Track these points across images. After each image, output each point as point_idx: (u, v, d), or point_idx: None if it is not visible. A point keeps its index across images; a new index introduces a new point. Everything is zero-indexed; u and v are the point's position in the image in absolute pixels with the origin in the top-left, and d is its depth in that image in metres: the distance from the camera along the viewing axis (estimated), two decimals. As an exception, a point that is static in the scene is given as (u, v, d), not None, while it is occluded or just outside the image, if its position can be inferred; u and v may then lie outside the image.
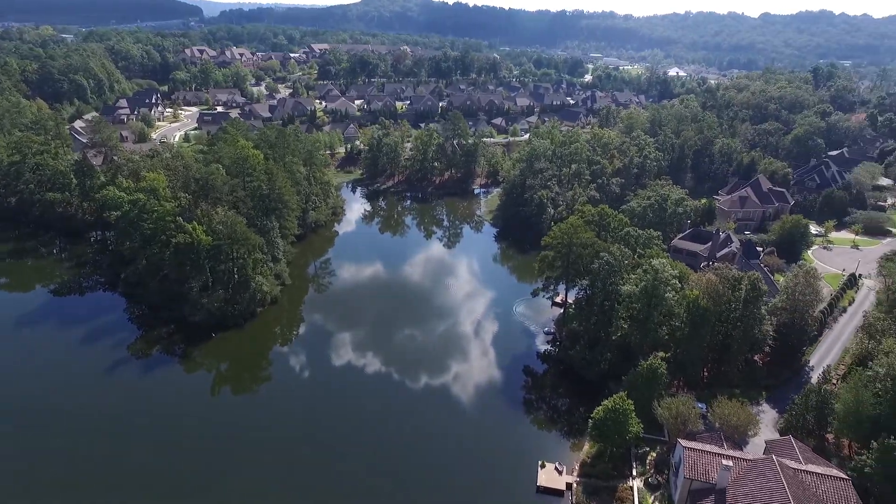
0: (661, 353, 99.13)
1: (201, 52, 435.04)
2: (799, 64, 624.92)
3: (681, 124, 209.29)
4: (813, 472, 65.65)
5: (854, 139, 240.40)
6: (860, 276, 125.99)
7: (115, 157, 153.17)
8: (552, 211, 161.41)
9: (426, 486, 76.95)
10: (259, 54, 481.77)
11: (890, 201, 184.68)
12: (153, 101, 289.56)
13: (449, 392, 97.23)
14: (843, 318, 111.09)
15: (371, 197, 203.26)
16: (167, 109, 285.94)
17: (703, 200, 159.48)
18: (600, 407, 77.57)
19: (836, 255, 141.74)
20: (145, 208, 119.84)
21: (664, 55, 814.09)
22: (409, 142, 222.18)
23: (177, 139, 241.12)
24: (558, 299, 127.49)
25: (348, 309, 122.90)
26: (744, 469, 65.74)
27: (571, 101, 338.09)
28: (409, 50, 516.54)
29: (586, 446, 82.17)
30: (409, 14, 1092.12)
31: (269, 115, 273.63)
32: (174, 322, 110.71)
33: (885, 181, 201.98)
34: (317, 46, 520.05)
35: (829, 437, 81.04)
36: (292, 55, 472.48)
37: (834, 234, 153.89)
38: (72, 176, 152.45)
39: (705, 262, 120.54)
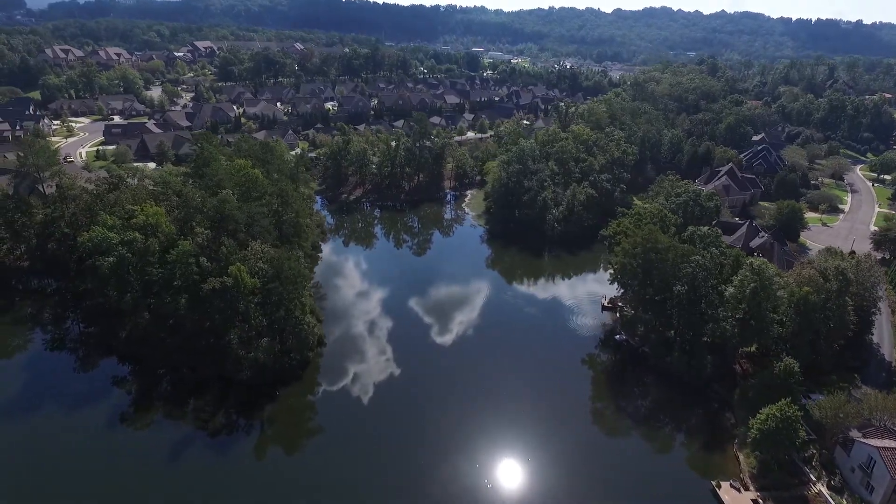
0: (746, 349, 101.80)
1: (66, 52, 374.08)
2: (656, 56, 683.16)
3: (634, 118, 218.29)
4: None
5: (763, 125, 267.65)
6: (853, 252, 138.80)
7: (59, 185, 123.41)
8: (555, 211, 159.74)
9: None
10: (137, 54, 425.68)
11: (820, 179, 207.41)
12: (33, 112, 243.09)
13: (556, 417, 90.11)
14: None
15: (340, 210, 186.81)
16: (54, 122, 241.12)
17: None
18: (760, 416, 76.61)
19: (817, 233, 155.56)
20: (147, 250, 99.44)
21: (538, 48, 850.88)
22: (367, 147, 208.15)
23: (84, 157, 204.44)
24: (606, 303, 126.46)
25: (393, 337, 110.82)
26: (935, 459, 68.11)
27: (497, 98, 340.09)
28: (302, 47, 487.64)
29: (741, 457, 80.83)
30: (279, 8, 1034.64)
31: (187, 123, 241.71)
32: (210, 384, 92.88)
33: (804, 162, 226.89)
34: (200, 44, 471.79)
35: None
36: (177, 54, 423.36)
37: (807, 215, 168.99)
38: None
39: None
